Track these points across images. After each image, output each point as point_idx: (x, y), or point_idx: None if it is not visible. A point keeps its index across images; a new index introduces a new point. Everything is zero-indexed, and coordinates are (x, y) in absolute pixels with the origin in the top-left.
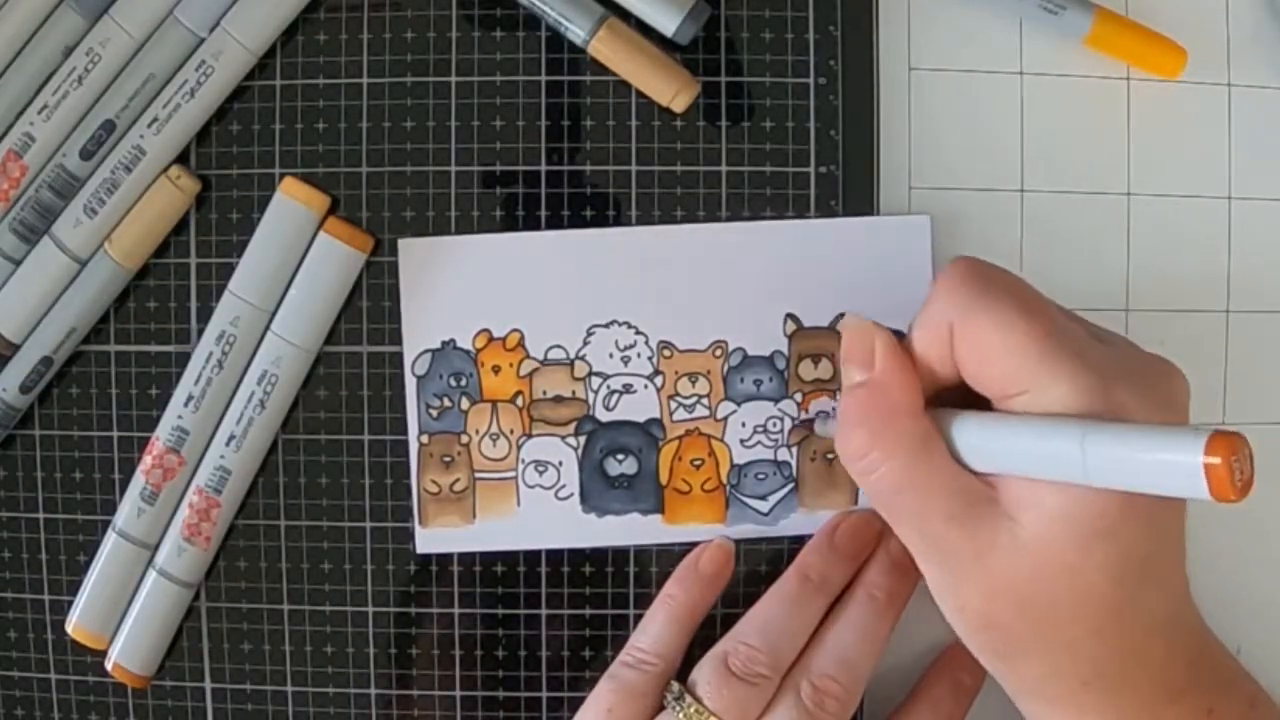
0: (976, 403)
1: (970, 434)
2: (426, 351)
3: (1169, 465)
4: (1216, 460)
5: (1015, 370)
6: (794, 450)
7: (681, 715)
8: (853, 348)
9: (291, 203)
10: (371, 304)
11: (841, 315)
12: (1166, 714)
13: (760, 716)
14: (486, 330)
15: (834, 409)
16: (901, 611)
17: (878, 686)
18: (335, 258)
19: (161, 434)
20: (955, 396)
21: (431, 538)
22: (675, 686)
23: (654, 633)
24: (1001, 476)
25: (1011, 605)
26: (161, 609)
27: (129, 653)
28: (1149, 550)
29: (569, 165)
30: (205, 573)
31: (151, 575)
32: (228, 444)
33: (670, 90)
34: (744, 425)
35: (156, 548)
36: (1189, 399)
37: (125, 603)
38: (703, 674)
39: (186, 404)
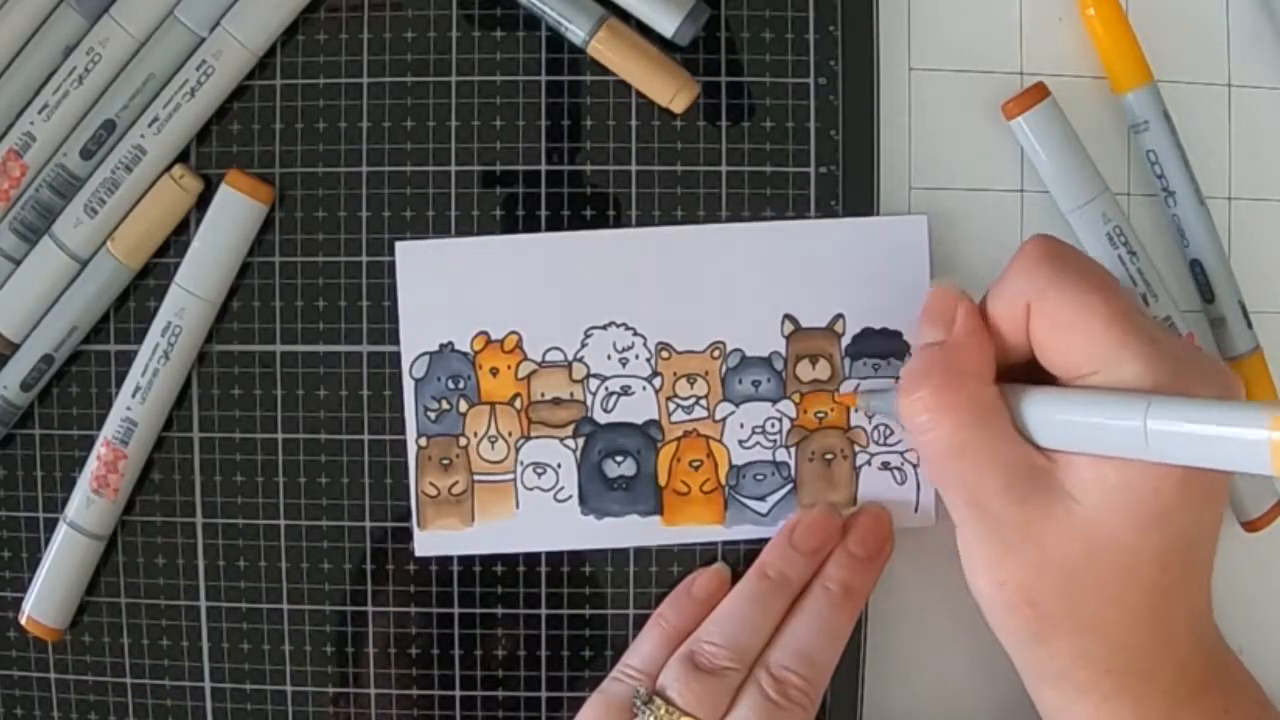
0: (1043, 382)
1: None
2: (424, 354)
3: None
4: None
5: (1091, 350)
6: (792, 451)
7: (652, 718)
8: (934, 311)
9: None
10: (371, 304)
11: (839, 315)
12: (1184, 710)
13: (727, 710)
14: (484, 332)
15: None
16: (861, 604)
17: (879, 689)
18: (236, 210)
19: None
20: (1021, 376)
21: (430, 540)
22: (642, 690)
23: (645, 652)
24: (1063, 453)
25: (1056, 583)
26: (72, 561)
27: (42, 605)
28: (1195, 539)
29: (569, 165)
30: (116, 525)
31: (62, 528)
32: (133, 395)
33: (670, 90)
34: (742, 426)
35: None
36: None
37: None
38: (670, 675)
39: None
